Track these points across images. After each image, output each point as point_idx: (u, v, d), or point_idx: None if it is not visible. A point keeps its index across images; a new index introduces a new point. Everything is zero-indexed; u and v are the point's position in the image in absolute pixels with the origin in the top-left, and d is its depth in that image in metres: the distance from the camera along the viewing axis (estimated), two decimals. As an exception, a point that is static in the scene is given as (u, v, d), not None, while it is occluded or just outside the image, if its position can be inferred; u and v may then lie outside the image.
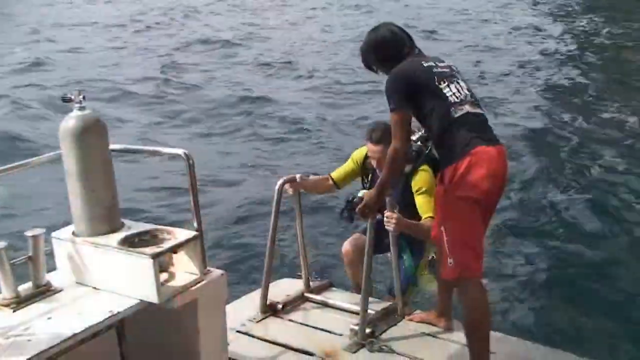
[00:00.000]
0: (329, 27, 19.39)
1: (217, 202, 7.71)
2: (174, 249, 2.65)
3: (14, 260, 2.55)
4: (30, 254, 2.58)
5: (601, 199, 7.62)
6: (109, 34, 18.58)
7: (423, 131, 4.07)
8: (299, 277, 4.38)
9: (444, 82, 3.39)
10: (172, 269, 2.76)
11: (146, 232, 2.72)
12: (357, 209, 3.67)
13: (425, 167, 4.09)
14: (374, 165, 4.18)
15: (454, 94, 3.37)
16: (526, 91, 12.75)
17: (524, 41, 17.56)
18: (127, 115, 11.41)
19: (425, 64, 3.45)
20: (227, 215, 7.45)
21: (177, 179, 8.11)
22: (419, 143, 4.15)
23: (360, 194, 4.09)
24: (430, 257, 4.35)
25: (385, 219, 3.83)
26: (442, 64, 3.50)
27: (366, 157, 4.26)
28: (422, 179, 4.06)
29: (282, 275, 4.82)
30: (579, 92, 12.74)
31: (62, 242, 2.72)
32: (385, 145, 3.92)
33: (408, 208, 4.02)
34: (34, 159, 2.86)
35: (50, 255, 2.71)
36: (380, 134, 4.04)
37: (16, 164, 2.77)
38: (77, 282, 2.71)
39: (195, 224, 2.75)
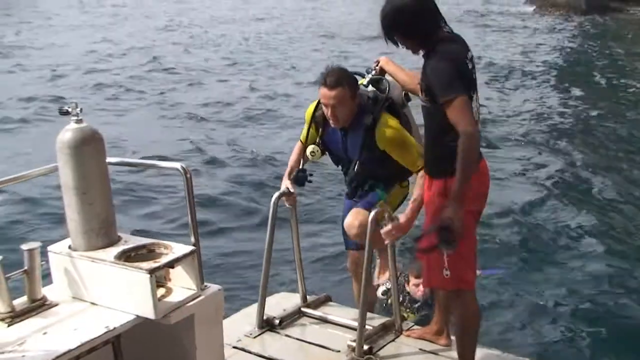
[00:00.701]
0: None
1: (213, 216, 7.69)
2: (171, 264, 2.63)
3: (10, 274, 2.52)
4: (26, 267, 2.55)
5: (598, 216, 7.63)
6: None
7: (373, 72, 3.93)
8: (296, 291, 4.36)
9: (475, 94, 3.24)
10: (169, 284, 2.73)
11: (143, 247, 2.69)
12: (450, 238, 3.02)
13: (386, 118, 3.78)
14: (327, 114, 3.79)
15: (476, 110, 3.23)
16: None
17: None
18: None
19: (469, 64, 3.21)
20: (223, 229, 7.43)
21: (175, 192, 8.10)
22: (370, 87, 3.90)
23: (307, 151, 3.97)
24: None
25: (384, 236, 3.66)
26: (470, 57, 3.23)
27: (315, 109, 3.95)
28: (387, 134, 3.74)
29: (279, 289, 4.79)
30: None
31: (59, 256, 2.69)
32: (342, 88, 3.68)
33: (371, 163, 3.83)
34: (30, 171, 2.83)
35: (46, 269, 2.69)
36: (335, 77, 3.69)
37: (12, 176, 2.75)
38: (73, 297, 2.68)
39: (192, 239, 2.73)
